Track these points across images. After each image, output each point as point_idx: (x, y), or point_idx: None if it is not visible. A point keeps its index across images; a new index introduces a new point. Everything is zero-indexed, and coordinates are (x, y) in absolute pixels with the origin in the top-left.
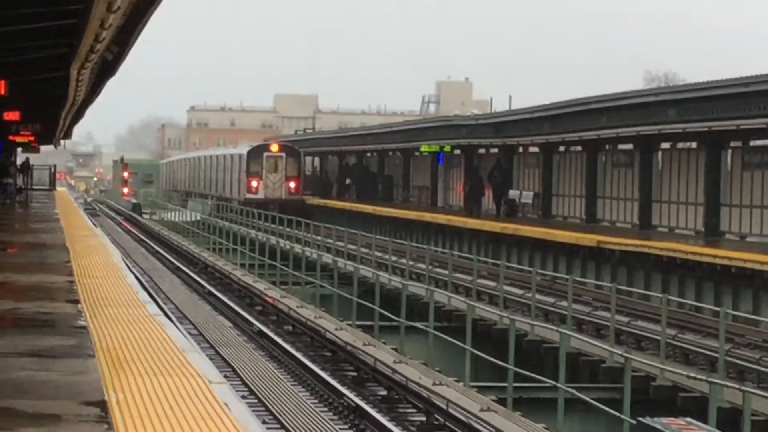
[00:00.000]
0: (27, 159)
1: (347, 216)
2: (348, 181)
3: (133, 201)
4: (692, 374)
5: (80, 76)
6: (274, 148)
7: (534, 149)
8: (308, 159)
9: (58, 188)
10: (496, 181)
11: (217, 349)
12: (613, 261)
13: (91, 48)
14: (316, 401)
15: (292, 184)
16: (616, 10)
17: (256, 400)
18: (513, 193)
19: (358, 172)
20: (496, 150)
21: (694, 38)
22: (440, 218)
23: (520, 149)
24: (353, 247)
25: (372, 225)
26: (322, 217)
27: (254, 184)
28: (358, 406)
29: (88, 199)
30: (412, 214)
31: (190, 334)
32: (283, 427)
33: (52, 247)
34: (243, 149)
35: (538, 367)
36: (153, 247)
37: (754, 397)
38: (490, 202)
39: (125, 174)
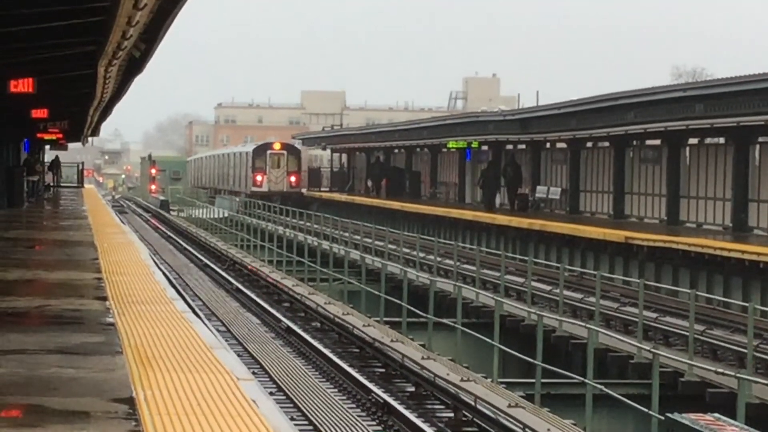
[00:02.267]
0: (57, 157)
1: (375, 212)
2: (369, 183)
3: (161, 198)
4: (721, 370)
5: (107, 74)
6: (277, 146)
7: (561, 145)
8: (335, 156)
9: (86, 185)
10: (509, 177)
11: (245, 345)
12: (641, 257)
13: (119, 45)
14: (344, 398)
15: (292, 179)
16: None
17: (284, 397)
18: (540, 189)
19: (378, 169)
20: (514, 147)
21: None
22: (468, 215)
23: (548, 145)
24: (381, 243)
25: (400, 221)
26: (348, 212)
27: (259, 178)
28: (386, 403)
29: (116, 196)
30: (439, 211)
31: (218, 330)
32: (311, 423)
33: (80, 244)
34: (249, 148)
35: (566, 363)
36: (181, 244)
37: None
38: (504, 197)
39: (153, 171)
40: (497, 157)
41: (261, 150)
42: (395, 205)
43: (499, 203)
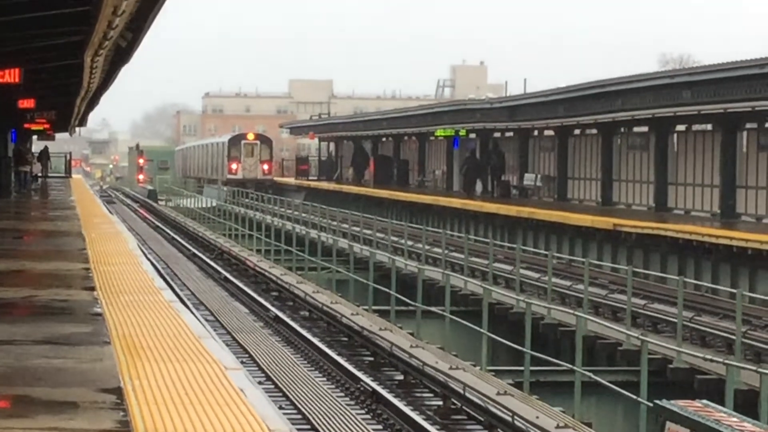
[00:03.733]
0: (46, 147)
1: (363, 201)
2: (350, 171)
3: (149, 187)
4: (709, 356)
5: (94, 64)
6: (251, 136)
7: (549, 132)
8: (323, 144)
9: (74, 176)
10: (493, 164)
11: (234, 335)
12: (629, 244)
13: (105, 35)
14: (333, 386)
15: (265, 167)
16: None
17: (272, 386)
18: (528, 177)
19: (360, 157)
20: (501, 135)
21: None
22: (456, 202)
23: (535, 132)
24: (369, 232)
25: (388, 210)
26: (336, 201)
27: (234, 166)
28: (374, 391)
29: (104, 186)
30: (427, 199)
31: (206, 320)
32: (299, 412)
33: (68, 235)
34: (225, 138)
35: (555, 350)
36: (169, 234)
37: None
38: (488, 184)
39: (141, 161)
40: (485, 144)
41: (236, 140)
42: (383, 193)
43: (480, 190)
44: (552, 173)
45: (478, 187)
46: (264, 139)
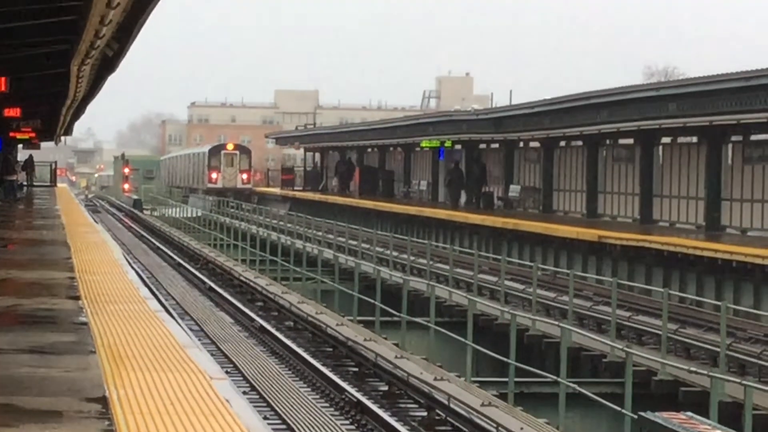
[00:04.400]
0: (30, 156)
1: (348, 212)
2: (334, 182)
3: (134, 197)
4: (693, 369)
5: (81, 73)
6: (230, 147)
7: (535, 144)
8: (309, 155)
9: (59, 185)
10: (475, 175)
11: (218, 345)
12: (614, 256)
13: (92, 44)
14: (318, 397)
15: (244, 176)
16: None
17: (257, 396)
18: (513, 188)
19: (344, 167)
20: (487, 146)
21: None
22: (441, 213)
23: (521, 144)
24: (354, 242)
25: (373, 220)
26: (322, 211)
27: (214, 175)
28: (359, 402)
29: (89, 195)
30: (412, 210)
31: (191, 330)
32: (284, 423)
33: (53, 244)
34: (205, 148)
35: (540, 362)
36: (154, 243)
37: (756, 391)
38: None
39: (126, 170)
40: (470, 156)
41: (216, 150)
42: (369, 204)
43: (464, 201)
44: (537, 185)
45: (463, 198)
46: (243, 150)
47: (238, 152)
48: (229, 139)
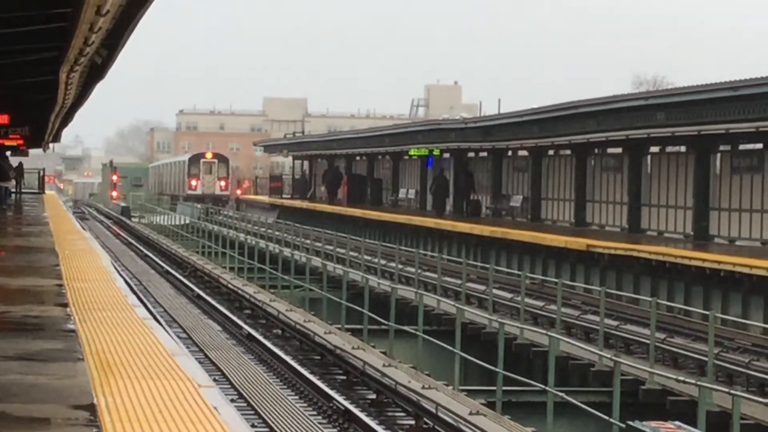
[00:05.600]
0: (20, 163)
1: (336, 219)
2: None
3: (123, 204)
4: (681, 378)
5: (69, 80)
6: (209, 155)
7: (523, 153)
8: (297, 162)
9: (47, 192)
10: (462, 184)
11: (206, 352)
12: (603, 264)
13: (81, 51)
14: (305, 405)
15: (222, 183)
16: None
17: (245, 404)
18: (516, 198)
19: (331, 175)
20: (476, 154)
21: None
22: (429, 222)
23: (509, 153)
24: (342, 250)
25: (361, 229)
26: (309, 219)
27: (194, 183)
28: (347, 410)
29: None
30: (400, 218)
31: (179, 337)
32: (272, 430)
33: (41, 251)
34: (185, 157)
35: (528, 370)
36: (142, 251)
37: (744, 400)
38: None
39: (114, 177)
40: (458, 164)
41: (195, 159)
42: (357, 212)
43: (449, 209)
44: (526, 193)
45: (449, 205)
46: (221, 158)
47: (216, 161)
48: (218, 146)
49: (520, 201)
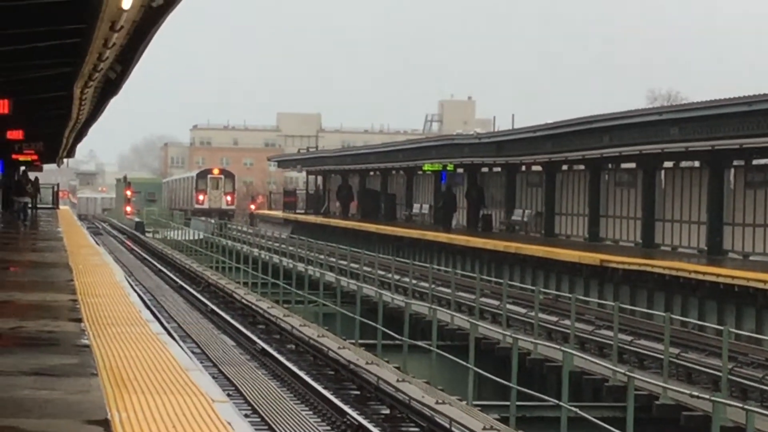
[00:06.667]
0: (36, 178)
1: (350, 234)
2: (337, 204)
3: (137, 219)
4: (695, 393)
5: (83, 95)
6: (215, 171)
7: (537, 168)
8: (311, 178)
9: (61, 207)
10: (472, 199)
11: (220, 367)
12: (616, 280)
13: (95, 67)
14: (319, 420)
15: (228, 198)
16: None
17: (259, 419)
18: (517, 212)
19: (345, 191)
20: (489, 170)
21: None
22: (442, 237)
23: (523, 168)
24: (356, 265)
25: (375, 244)
26: (323, 234)
27: (201, 197)
28: (360, 425)
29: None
30: (414, 233)
31: (192, 352)
32: None
33: (55, 266)
34: (193, 173)
35: (541, 385)
36: (156, 266)
37: (757, 416)
38: (463, 218)
39: (128, 192)
40: (472, 179)
41: (203, 174)
42: (371, 227)
43: (455, 224)
44: (539, 209)
45: (455, 221)
46: (227, 174)
47: (222, 176)
48: (232, 161)
49: (526, 215)
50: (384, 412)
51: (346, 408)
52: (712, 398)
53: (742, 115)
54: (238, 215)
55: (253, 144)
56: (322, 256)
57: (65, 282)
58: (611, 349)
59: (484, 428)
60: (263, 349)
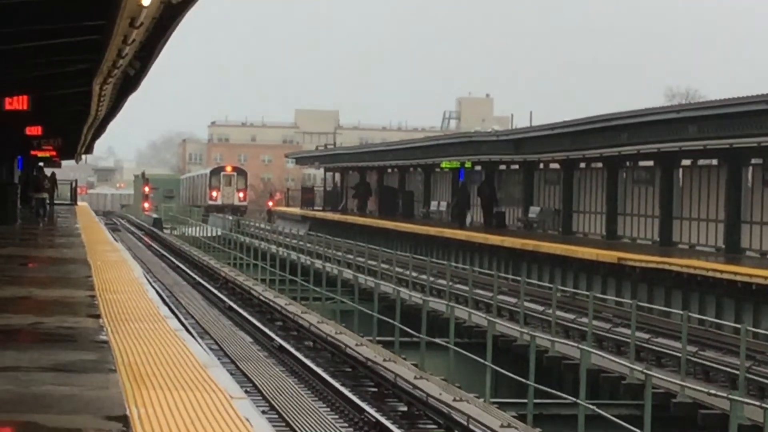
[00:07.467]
0: (53, 173)
1: (368, 231)
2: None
3: (154, 216)
4: (713, 391)
5: (102, 92)
6: (229, 169)
7: (555, 165)
8: (329, 174)
9: (80, 203)
10: (485, 196)
11: (238, 364)
12: (634, 277)
13: (114, 63)
14: (337, 417)
15: (241, 194)
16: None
17: (276, 416)
18: (533, 210)
19: (363, 188)
20: (507, 167)
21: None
22: (460, 234)
23: (541, 165)
24: (374, 262)
25: (393, 241)
26: (341, 231)
27: (214, 194)
28: (378, 422)
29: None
30: (432, 230)
31: (210, 349)
32: None
33: (74, 262)
34: (207, 170)
35: (559, 383)
36: (174, 262)
37: None
38: (478, 215)
39: (146, 189)
40: (490, 177)
41: (216, 171)
42: (388, 224)
43: (470, 221)
44: (557, 206)
45: (469, 218)
46: (240, 171)
47: (235, 173)
48: (250, 158)
49: (544, 212)
50: (402, 409)
51: (363, 405)
52: (730, 396)
53: (760, 113)
54: (255, 212)
55: (271, 141)
56: (339, 253)
57: (83, 278)
58: (628, 347)
59: (502, 425)
60: (281, 345)
